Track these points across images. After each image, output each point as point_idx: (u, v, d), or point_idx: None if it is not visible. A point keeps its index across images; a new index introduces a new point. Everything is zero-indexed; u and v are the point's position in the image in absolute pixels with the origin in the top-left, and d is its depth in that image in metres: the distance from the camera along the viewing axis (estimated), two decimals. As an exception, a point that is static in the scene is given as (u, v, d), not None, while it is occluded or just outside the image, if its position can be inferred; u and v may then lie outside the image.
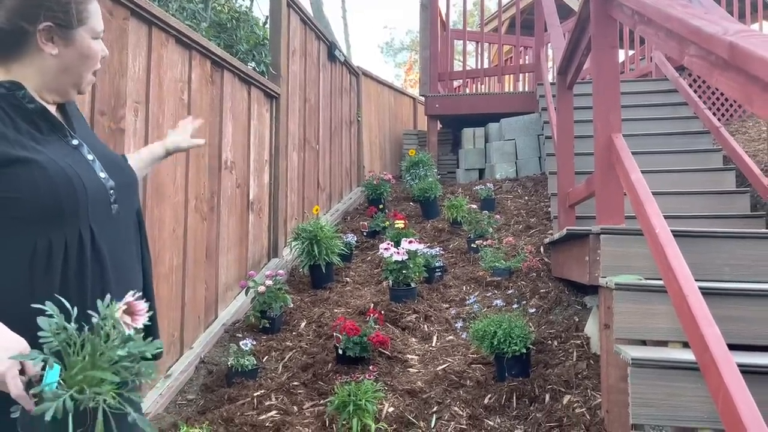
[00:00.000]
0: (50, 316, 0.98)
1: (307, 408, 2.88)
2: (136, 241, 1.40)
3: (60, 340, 0.97)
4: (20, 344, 1.02)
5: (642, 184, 2.37)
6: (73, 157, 1.25)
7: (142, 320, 1.06)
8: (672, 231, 2.06)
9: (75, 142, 1.29)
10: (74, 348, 0.97)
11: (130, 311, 1.06)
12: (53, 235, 1.17)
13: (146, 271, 1.43)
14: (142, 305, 1.08)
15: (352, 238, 5.05)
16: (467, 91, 8.49)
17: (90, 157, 1.29)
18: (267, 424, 2.69)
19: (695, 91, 5.84)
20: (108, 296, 1.07)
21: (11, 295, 1.13)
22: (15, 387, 0.96)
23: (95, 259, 1.22)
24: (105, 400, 0.95)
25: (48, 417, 0.88)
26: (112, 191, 1.30)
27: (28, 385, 0.96)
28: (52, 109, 1.29)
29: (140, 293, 1.13)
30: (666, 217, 2.18)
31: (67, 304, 1.05)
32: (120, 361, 0.99)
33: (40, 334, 0.97)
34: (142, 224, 1.45)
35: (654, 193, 2.35)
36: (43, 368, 0.96)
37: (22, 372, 1.00)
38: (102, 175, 1.29)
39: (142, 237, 1.42)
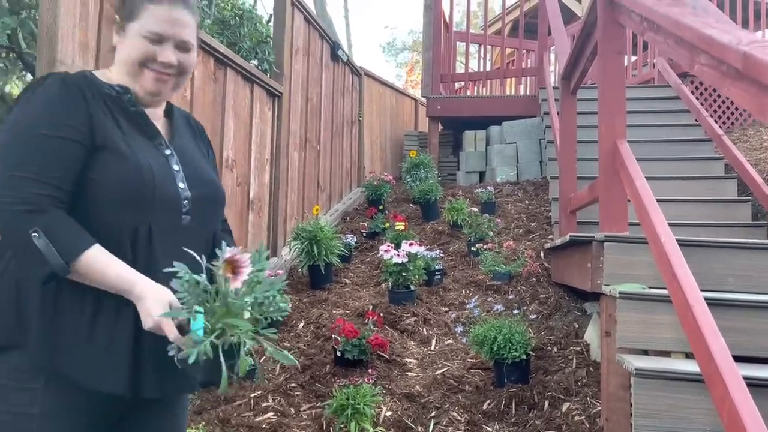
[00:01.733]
0: (179, 277, 1.11)
1: (305, 410, 2.86)
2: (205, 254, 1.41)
3: (197, 294, 1.11)
4: (169, 295, 1.16)
5: (647, 191, 2.35)
6: (158, 162, 1.31)
7: (245, 274, 1.13)
8: (677, 240, 2.04)
9: (167, 151, 1.36)
10: (210, 298, 1.12)
11: (233, 267, 1.13)
12: (112, 224, 1.23)
13: None
14: (245, 259, 1.13)
15: (351, 238, 5.03)
16: (469, 93, 8.47)
17: (176, 168, 1.35)
18: (264, 426, 2.67)
19: (697, 99, 5.83)
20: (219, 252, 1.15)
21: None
22: (171, 332, 1.12)
23: (147, 260, 1.26)
24: (244, 341, 1.12)
25: (191, 360, 1.05)
26: (186, 201, 1.33)
27: (179, 330, 1.13)
28: (157, 115, 1.39)
29: (240, 247, 1.19)
30: (670, 225, 2.16)
31: (197, 257, 1.17)
32: (251, 305, 1.14)
33: (178, 292, 1.13)
34: (217, 241, 1.43)
35: (658, 200, 2.33)
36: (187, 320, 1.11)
37: None
38: (181, 185, 1.33)
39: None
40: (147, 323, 1.15)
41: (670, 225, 2.14)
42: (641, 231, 2.35)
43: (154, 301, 1.15)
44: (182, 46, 1.35)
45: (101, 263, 1.17)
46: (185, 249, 1.23)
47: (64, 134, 1.20)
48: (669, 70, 5.79)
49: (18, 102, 1.25)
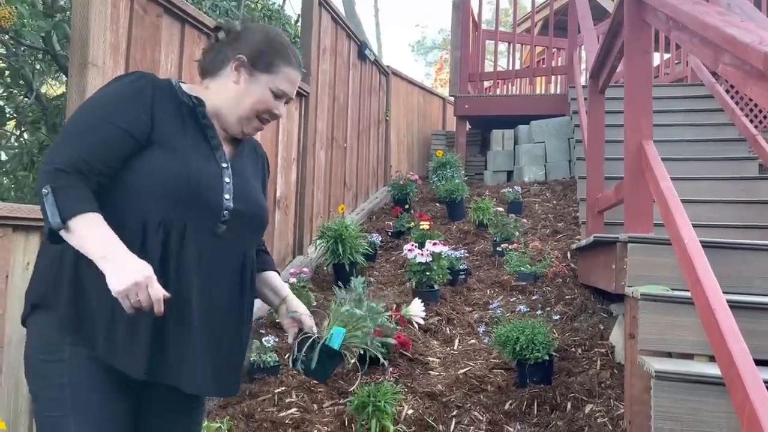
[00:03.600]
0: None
1: (327, 407, 2.89)
2: (236, 274, 1.46)
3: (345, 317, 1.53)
4: (148, 269, 1.23)
5: (672, 192, 2.32)
6: (210, 170, 1.40)
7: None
8: (701, 242, 2.01)
9: (224, 164, 1.44)
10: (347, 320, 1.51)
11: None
12: (153, 218, 1.32)
13: (246, 317, 1.50)
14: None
15: (376, 237, 5.05)
16: (497, 92, 8.42)
17: (227, 180, 1.42)
18: (287, 421, 2.71)
19: (732, 98, 5.70)
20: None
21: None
22: (156, 291, 1.22)
23: (178, 254, 1.34)
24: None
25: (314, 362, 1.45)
26: (226, 212, 1.40)
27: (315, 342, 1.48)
28: (228, 137, 1.49)
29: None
30: (697, 227, 2.13)
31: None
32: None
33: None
34: (261, 262, 1.62)
35: (686, 201, 2.31)
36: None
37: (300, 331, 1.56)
38: (226, 196, 1.41)
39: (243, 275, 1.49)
40: (118, 287, 1.19)
41: (701, 226, 2.12)
42: (666, 232, 2.32)
43: (132, 263, 1.22)
44: (288, 101, 1.52)
45: (91, 228, 1.23)
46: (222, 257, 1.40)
47: (117, 122, 1.30)
48: (702, 68, 5.67)
49: (104, 86, 1.40)
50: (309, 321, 1.58)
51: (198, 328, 1.34)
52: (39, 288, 1.33)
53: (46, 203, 1.22)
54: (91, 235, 1.23)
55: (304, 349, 1.41)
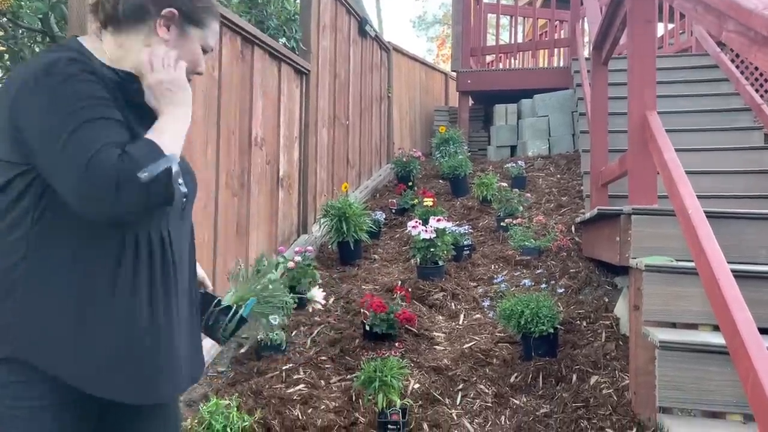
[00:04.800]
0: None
1: (334, 382, 2.92)
2: (192, 246, 1.43)
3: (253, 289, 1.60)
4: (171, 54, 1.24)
5: (676, 163, 2.31)
6: None
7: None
8: (706, 212, 2.01)
9: None
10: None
11: None
12: (141, 231, 1.22)
13: (192, 274, 1.45)
14: None
15: (380, 215, 5.05)
16: (500, 66, 8.34)
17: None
18: (295, 397, 2.74)
19: (737, 67, 5.63)
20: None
21: (94, 284, 1.17)
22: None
23: (172, 259, 1.28)
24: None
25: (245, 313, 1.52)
26: (184, 199, 1.26)
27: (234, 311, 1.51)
28: None
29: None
30: (702, 197, 2.13)
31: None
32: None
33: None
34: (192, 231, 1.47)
35: (690, 172, 2.29)
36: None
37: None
38: (180, 181, 1.24)
39: (191, 242, 1.44)
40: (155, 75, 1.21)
41: (706, 197, 2.11)
42: (671, 204, 2.32)
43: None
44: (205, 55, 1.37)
45: (169, 132, 1.19)
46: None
47: (108, 115, 1.14)
48: (707, 37, 5.60)
49: (36, 91, 1.13)
50: (209, 283, 1.62)
51: (184, 322, 1.32)
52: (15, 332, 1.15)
53: (158, 178, 1.09)
54: (178, 135, 1.20)
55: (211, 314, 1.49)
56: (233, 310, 1.50)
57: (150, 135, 1.16)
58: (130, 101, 1.23)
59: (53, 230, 1.15)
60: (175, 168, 1.12)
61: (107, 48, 1.26)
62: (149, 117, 1.24)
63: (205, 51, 1.34)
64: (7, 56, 3.07)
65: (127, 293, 1.19)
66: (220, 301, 1.50)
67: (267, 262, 1.59)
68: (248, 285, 1.60)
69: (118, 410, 1.28)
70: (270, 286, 1.62)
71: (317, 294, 1.78)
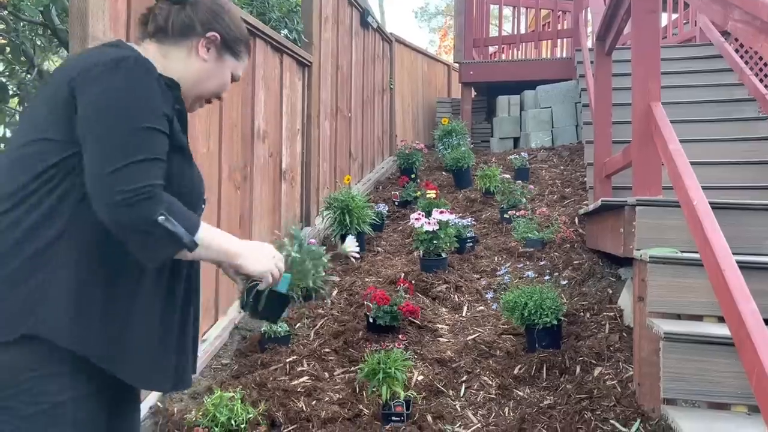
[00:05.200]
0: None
1: (338, 374, 2.92)
2: None
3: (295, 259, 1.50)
4: (271, 247, 1.39)
5: (680, 154, 2.30)
6: (195, 164, 1.39)
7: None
8: (711, 203, 2.00)
9: (191, 154, 1.39)
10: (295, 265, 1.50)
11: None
12: None
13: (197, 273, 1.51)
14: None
15: (383, 207, 5.05)
16: (503, 57, 8.31)
17: (197, 171, 1.41)
18: (299, 389, 2.75)
19: (742, 57, 5.60)
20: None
21: (122, 271, 1.23)
22: (282, 264, 1.39)
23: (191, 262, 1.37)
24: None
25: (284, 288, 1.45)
26: (203, 206, 1.43)
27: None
28: None
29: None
30: (707, 188, 2.11)
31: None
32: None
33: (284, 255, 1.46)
34: None
35: (695, 164, 2.28)
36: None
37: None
38: (202, 189, 1.42)
39: None
40: (264, 268, 1.34)
41: (710, 188, 2.10)
42: (675, 195, 2.31)
43: (263, 247, 1.36)
44: None
45: (213, 232, 1.27)
46: None
47: (162, 127, 1.20)
48: (711, 27, 5.56)
49: (108, 75, 1.18)
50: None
51: (193, 318, 1.38)
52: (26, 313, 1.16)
53: (168, 228, 1.14)
54: (215, 242, 1.26)
55: (252, 295, 1.42)
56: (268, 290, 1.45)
57: (205, 224, 1.25)
58: (173, 106, 1.29)
59: (91, 214, 1.17)
60: (184, 243, 1.19)
61: (151, 56, 1.31)
62: (186, 123, 1.36)
63: (232, 79, 1.44)
64: (8, 49, 3.07)
65: (150, 284, 1.25)
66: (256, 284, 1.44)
67: (293, 230, 1.56)
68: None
69: (120, 400, 1.32)
70: (305, 257, 1.53)
71: (351, 243, 1.72)
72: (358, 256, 1.78)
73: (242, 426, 2.36)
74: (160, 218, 1.13)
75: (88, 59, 1.22)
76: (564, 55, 7.93)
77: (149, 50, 1.34)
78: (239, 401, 2.45)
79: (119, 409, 1.34)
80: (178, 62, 1.34)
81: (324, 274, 1.55)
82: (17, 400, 1.14)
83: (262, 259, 1.33)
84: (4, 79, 3.18)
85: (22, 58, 3.07)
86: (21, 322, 1.15)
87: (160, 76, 1.25)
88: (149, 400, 2.62)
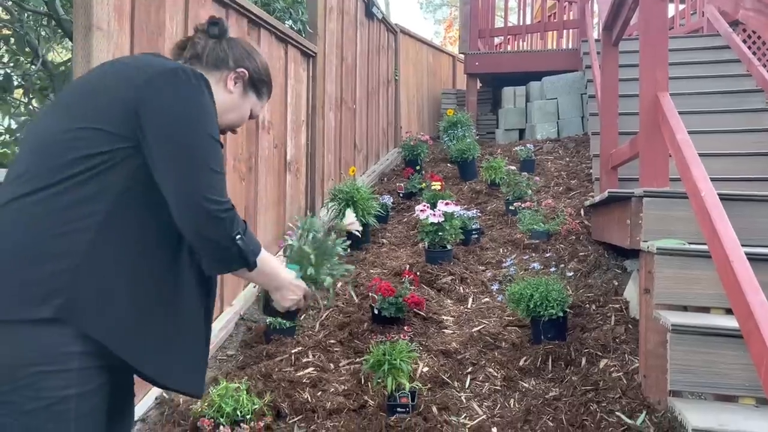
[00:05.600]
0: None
1: (343, 365, 2.93)
2: None
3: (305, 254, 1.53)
4: (302, 286, 1.48)
5: (688, 145, 2.28)
6: None
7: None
8: (719, 194, 1.98)
9: None
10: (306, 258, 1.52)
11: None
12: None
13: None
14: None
15: (388, 199, 5.04)
16: (508, 48, 8.26)
17: None
18: (304, 380, 2.75)
19: (749, 48, 5.55)
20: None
21: (152, 267, 1.26)
22: (308, 291, 1.49)
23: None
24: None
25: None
26: None
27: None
28: None
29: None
30: (714, 180, 2.10)
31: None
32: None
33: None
34: None
35: (702, 155, 2.26)
36: None
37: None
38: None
39: None
40: (296, 299, 1.46)
41: (716, 180, 2.08)
42: (682, 187, 2.29)
43: (296, 280, 1.45)
44: None
45: (268, 257, 1.36)
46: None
47: (220, 140, 1.29)
48: (719, 17, 5.51)
49: (170, 86, 1.24)
50: None
51: (209, 318, 1.42)
52: (42, 295, 1.15)
53: (241, 247, 1.25)
54: (268, 269, 1.37)
55: (272, 300, 1.48)
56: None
57: (263, 255, 1.35)
58: None
59: (129, 209, 1.21)
60: (249, 262, 1.30)
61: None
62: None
63: (251, 117, 1.52)
64: (13, 40, 3.06)
65: (180, 281, 1.28)
66: None
67: (306, 222, 1.58)
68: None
69: (118, 393, 1.33)
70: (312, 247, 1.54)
71: (350, 217, 1.70)
72: (359, 229, 1.75)
73: (248, 416, 2.36)
74: (238, 237, 1.24)
75: (151, 64, 1.27)
76: (570, 46, 7.89)
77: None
78: (245, 392, 2.45)
79: (117, 402, 1.34)
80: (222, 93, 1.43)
81: (335, 265, 1.57)
82: (19, 394, 1.13)
83: (297, 290, 1.45)
84: (8, 70, 3.17)
85: (27, 49, 3.07)
86: (44, 304, 1.14)
87: None
88: (155, 390, 2.63)
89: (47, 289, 1.14)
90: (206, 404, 2.40)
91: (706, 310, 2.15)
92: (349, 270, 1.63)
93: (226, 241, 1.23)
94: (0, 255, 1.16)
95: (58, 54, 3.85)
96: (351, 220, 1.70)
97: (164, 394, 2.64)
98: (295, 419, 2.53)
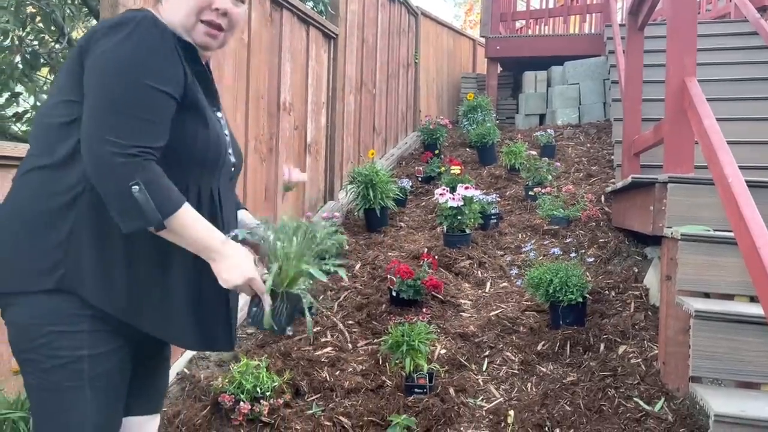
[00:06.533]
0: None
1: (361, 346, 2.95)
2: (235, 223, 1.44)
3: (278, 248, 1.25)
4: (251, 255, 1.24)
5: (715, 130, 2.24)
6: (221, 129, 1.35)
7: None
8: (746, 181, 1.95)
9: (219, 114, 1.38)
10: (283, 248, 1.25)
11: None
12: (192, 184, 1.27)
13: None
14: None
15: (406, 183, 5.03)
16: (530, 32, 8.16)
17: (226, 132, 1.38)
18: (323, 360, 2.78)
19: (779, 33, 5.41)
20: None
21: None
22: (261, 289, 1.23)
23: (221, 216, 1.33)
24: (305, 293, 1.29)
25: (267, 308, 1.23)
26: (233, 169, 1.40)
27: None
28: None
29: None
30: (741, 168, 2.07)
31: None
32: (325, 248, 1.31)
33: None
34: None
35: (729, 143, 2.22)
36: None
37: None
38: (230, 151, 1.38)
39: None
40: (232, 282, 1.20)
41: (743, 168, 2.05)
42: (707, 174, 2.26)
43: (242, 260, 1.21)
44: None
45: (192, 221, 1.18)
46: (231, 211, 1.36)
47: (166, 89, 1.17)
48: (747, 3, 5.38)
49: (113, 35, 1.17)
50: None
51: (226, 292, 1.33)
52: (45, 264, 1.19)
53: (138, 200, 1.10)
54: (190, 232, 1.17)
55: (254, 305, 1.26)
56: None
57: (188, 207, 1.18)
58: (191, 67, 1.27)
59: None
60: (149, 221, 1.13)
61: (165, 16, 1.28)
62: (209, 84, 1.34)
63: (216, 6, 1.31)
64: (39, 18, 3.09)
65: (170, 244, 1.22)
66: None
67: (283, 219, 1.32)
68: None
69: (149, 356, 1.36)
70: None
71: (295, 172, 1.59)
72: (305, 179, 1.59)
73: (267, 393, 2.39)
74: (134, 188, 1.10)
75: (99, 23, 1.23)
76: (593, 31, 7.77)
77: (161, 10, 1.30)
78: (264, 369, 2.48)
79: (148, 363, 1.38)
80: (169, 6, 1.28)
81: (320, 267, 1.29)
82: (38, 353, 1.20)
83: (234, 271, 1.20)
84: (34, 48, 3.20)
85: (52, 27, 3.09)
86: (48, 276, 1.19)
87: (178, 39, 1.25)
88: (177, 366, 2.67)
89: (52, 261, 1.19)
90: (227, 380, 2.44)
91: (729, 297, 2.14)
92: (340, 267, 1.33)
93: (117, 190, 1.10)
94: (10, 229, 1.22)
95: (83, 32, 3.87)
96: (298, 177, 1.55)
97: (185, 370, 2.68)
98: (314, 397, 2.56)
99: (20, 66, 2.85)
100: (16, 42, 2.91)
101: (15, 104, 2.93)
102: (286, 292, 1.25)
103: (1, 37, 2.82)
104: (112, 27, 1.18)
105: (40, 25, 3.08)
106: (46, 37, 3.23)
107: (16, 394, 1.69)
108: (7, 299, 1.22)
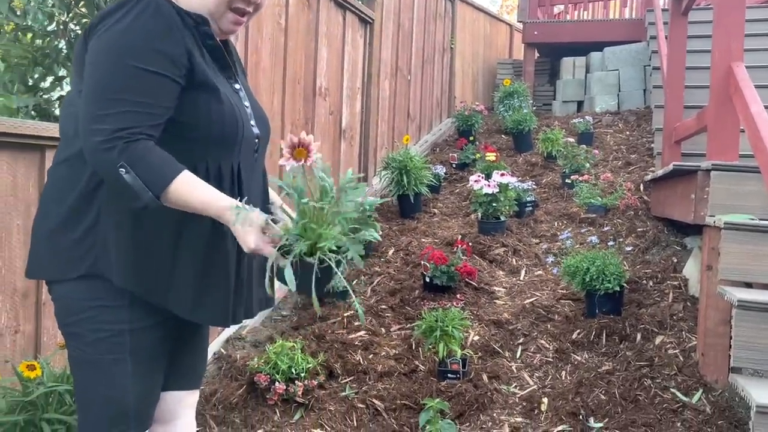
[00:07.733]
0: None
1: (394, 331, 2.97)
2: (264, 193, 1.44)
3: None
4: (263, 215, 1.18)
5: (763, 116, 2.18)
6: (239, 102, 1.32)
7: (314, 151, 1.22)
8: (795, 169, 1.90)
9: (237, 86, 1.36)
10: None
11: (303, 150, 1.20)
12: (212, 162, 1.26)
13: None
14: (307, 138, 1.21)
15: (440, 169, 5.01)
16: (569, 17, 8.00)
17: (246, 104, 1.36)
18: (356, 343, 2.80)
19: (831, 18, 5.21)
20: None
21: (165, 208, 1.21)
22: (270, 251, 1.15)
23: (240, 193, 1.31)
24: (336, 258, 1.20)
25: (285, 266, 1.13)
26: (257, 140, 1.36)
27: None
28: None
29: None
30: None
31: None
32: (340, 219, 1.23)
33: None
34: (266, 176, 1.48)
35: (776, 130, 2.16)
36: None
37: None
38: (252, 123, 1.35)
39: (264, 189, 1.45)
40: (248, 245, 1.15)
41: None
42: (752, 162, 2.20)
43: (253, 222, 1.16)
44: None
45: (191, 188, 1.17)
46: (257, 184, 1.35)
47: (160, 69, 1.16)
48: (799, -15, 5.20)
49: (110, 18, 1.18)
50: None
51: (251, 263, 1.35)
52: (74, 257, 1.24)
53: (127, 181, 1.12)
54: (194, 197, 1.16)
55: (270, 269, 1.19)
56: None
57: (183, 178, 1.16)
58: (204, 42, 1.27)
59: None
60: (140, 197, 1.14)
61: (190, 3, 1.27)
62: (222, 57, 1.31)
63: None
64: (82, 2, 3.14)
65: (195, 224, 1.23)
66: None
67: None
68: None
69: (187, 333, 1.38)
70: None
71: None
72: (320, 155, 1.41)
73: (302, 374, 2.43)
74: (121, 170, 1.12)
75: (107, 6, 1.24)
76: (633, 16, 7.58)
77: None
78: (299, 351, 2.52)
79: (187, 340, 1.41)
80: None
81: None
82: (82, 327, 1.25)
83: (248, 237, 1.15)
84: (78, 32, 3.26)
85: (96, 12, 3.14)
86: (80, 263, 1.24)
87: (186, 13, 1.23)
88: (213, 346, 2.73)
89: (84, 249, 1.24)
90: (263, 361, 2.48)
91: (773, 288, 2.08)
92: (374, 235, 1.27)
93: (112, 176, 1.14)
94: (45, 227, 1.28)
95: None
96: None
97: (222, 350, 2.74)
98: (347, 380, 2.59)
99: (65, 51, 2.91)
100: (61, 26, 2.96)
101: (59, 88, 2.99)
102: (301, 256, 1.15)
103: (47, 21, 2.88)
104: (110, 11, 1.19)
105: (83, 9, 3.13)
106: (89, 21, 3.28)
107: (62, 368, 1.75)
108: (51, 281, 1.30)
